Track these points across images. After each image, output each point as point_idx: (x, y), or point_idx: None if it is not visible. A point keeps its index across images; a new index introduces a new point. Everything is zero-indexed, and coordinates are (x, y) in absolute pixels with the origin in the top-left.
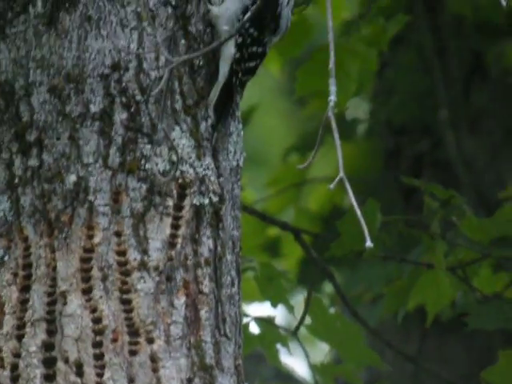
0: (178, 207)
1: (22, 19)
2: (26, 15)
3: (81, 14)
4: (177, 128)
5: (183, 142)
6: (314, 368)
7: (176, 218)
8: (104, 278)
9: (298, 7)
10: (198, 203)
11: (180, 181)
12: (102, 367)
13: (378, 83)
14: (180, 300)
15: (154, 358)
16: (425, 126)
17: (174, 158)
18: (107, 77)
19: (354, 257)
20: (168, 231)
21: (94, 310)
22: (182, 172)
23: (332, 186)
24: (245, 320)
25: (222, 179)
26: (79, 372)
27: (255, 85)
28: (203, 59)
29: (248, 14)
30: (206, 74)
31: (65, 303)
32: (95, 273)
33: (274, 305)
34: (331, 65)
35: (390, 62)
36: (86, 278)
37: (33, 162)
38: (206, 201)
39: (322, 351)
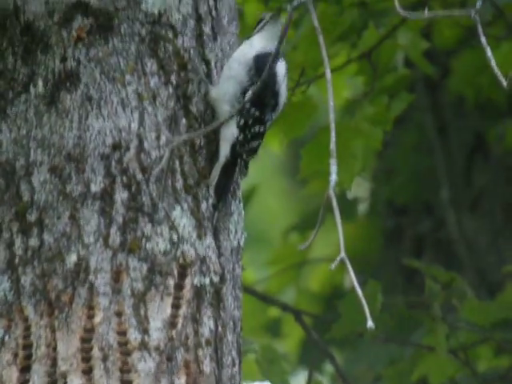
0: (179, 287)
1: (22, 99)
2: (27, 95)
3: (82, 93)
4: (178, 207)
5: (184, 222)
6: None
7: (177, 298)
8: (104, 358)
9: (301, 87)
10: (198, 283)
11: (181, 260)
12: None
13: (379, 163)
14: (181, 380)
15: None
16: (426, 206)
17: (175, 237)
18: (108, 156)
19: (355, 338)
20: (169, 311)
21: None
22: (182, 252)
23: (333, 266)
24: None
25: (222, 259)
26: None
27: (255, 164)
28: (204, 139)
29: (249, 94)
30: (207, 153)
31: (65, 383)
32: (96, 353)
33: None
34: (332, 145)
35: (391, 142)
36: (87, 358)
37: (33, 241)
38: (207, 281)
39: None
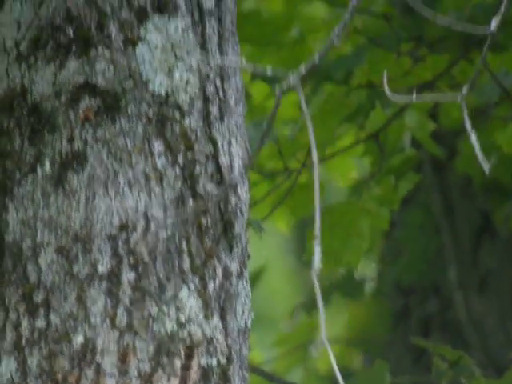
0: (186, 368)
1: (29, 179)
2: (34, 175)
3: (89, 174)
4: (184, 288)
5: (191, 302)
6: None
7: (183, 379)
8: None
9: (307, 168)
10: (205, 364)
11: (188, 341)
12: None
13: (386, 243)
14: None
15: None
16: (433, 287)
17: (182, 318)
18: (115, 237)
19: None
20: None
21: None
22: (189, 332)
23: (314, 352)
24: None
25: (229, 340)
26: None
27: (262, 245)
28: (211, 219)
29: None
30: (214, 234)
31: None
32: None
33: None
34: (316, 231)
35: (398, 222)
36: None
37: (40, 322)
38: (214, 361)
39: None
